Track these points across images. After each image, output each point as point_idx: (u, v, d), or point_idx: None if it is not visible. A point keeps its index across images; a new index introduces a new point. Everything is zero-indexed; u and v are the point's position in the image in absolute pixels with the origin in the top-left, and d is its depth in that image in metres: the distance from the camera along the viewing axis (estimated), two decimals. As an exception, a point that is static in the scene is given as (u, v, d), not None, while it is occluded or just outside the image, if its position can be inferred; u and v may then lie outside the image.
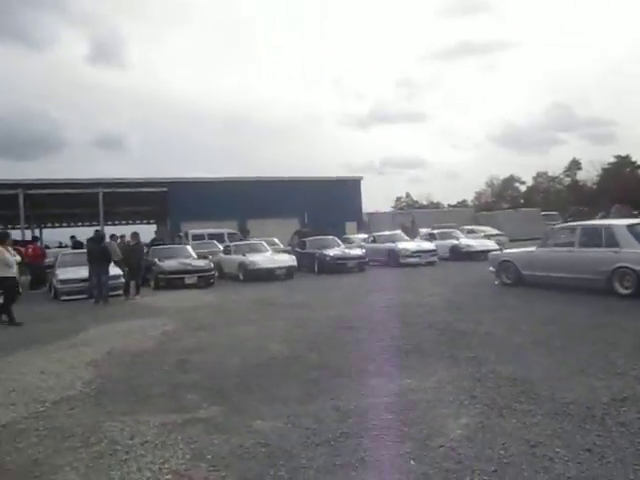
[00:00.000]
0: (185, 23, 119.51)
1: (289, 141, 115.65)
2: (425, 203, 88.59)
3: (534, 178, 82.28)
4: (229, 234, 26.94)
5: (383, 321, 8.40)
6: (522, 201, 77.82)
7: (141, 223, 43.44)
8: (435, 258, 18.80)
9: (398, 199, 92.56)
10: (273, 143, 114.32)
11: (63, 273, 14.11)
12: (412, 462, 3.41)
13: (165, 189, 31.69)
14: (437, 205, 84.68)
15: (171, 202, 31.97)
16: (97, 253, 12.52)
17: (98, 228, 18.72)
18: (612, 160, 66.47)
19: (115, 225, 37.11)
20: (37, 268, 16.94)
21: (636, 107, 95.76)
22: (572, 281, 9.85)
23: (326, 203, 34.58)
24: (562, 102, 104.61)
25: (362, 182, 39.19)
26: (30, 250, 17.37)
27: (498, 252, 12.11)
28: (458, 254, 19.79)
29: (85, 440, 4.06)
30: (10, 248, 10.18)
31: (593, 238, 9.74)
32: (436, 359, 5.88)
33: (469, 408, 4.29)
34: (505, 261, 11.57)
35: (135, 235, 14.34)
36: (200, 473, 3.40)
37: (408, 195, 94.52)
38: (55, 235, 38.91)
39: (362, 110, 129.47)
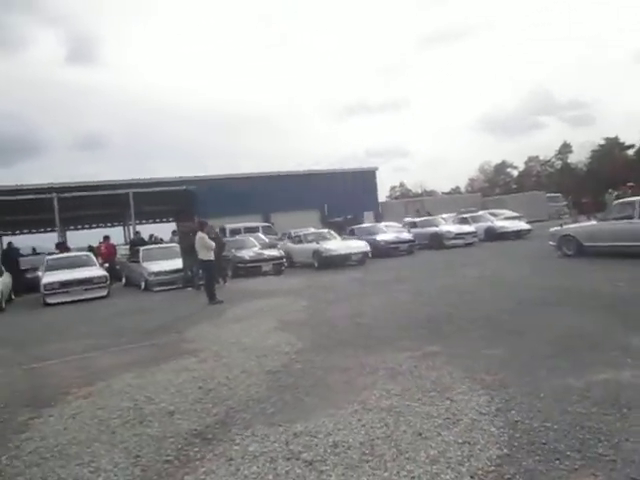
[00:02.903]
0: (155, 16, 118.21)
1: (272, 135, 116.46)
2: (419, 191, 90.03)
3: (526, 162, 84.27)
4: (263, 227, 28.30)
5: (489, 287, 9.85)
6: (514, 186, 79.81)
7: (161, 222, 44.47)
8: (476, 239, 20.38)
9: (392, 188, 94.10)
10: (255, 137, 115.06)
11: (152, 266, 15.31)
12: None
13: (191, 187, 32.79)
14: (431, 193, 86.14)
15: (198, 199, 33.06)
16: (193, 245, 13.69)
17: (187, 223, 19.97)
18: (601, 142, 68.35)
19: (141, 224, 38.06)
20: (110, 264, 18.09)
21: (613, 88, 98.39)
22: (634, 248, 11.36)
23: (344, 194, 36.04)
24: (541, 86, 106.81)
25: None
26: (103, 248, 18.56)
27: (558, 228, 13.62)
28: (493, 235, 21.34)
29: (361, 370, 5.38)
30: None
31: (652, 210, 11.26)
32: (569, 304, 7.34)
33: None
34: (566, 235, 13.09)
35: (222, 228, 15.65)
36: (484, 376, 4.78)
37: (402, 184, 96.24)
38: (79, 237, 39.77)
39: (343, 101, 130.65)
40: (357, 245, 17.76)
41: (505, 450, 3.31)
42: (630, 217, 11.68)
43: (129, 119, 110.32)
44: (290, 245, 19.47)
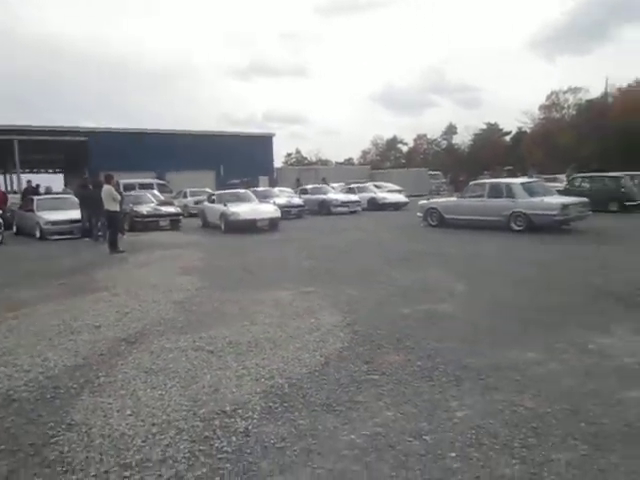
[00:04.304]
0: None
1: (166, 89, 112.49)
2: (314, 160, 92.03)
3: (415, 140, 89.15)
4: (158, 184, 28.46)
5: (365, 247, 11.67)
6: (403, 161, 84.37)
7: (47, 172, 42.52)
8: (359, 208, 22.42)
9: (288, 155, 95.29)
10: (148, 91, 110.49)
11: (48, 215, 15.57)
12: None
13: (84, 138, 31.98)
14: (325, 162, 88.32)
15: (90, 151, 32.31)
16: (96, 198, 14.12)
17: (86, 175, 19.93)
18: (482, 126, 74.28)
19: (25, 173, 36.32)
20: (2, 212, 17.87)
21: (499, 75, 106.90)
22: (483, 222, 13.76)
23: (241, 157, 36.83)
24: (435, 66, 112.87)
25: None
26: (-7, 196, 18.21)
27: (425, 201, 15.84)
28: (375, 205, 23.59)
29: (250, 302, 6.81)
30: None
31: (497, 191, 13.68)
32: (420, 261, 9.27)
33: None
34: (431, 208, 15.32)
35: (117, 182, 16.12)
36: (343, 306, 6.41)
37: (298, 151, 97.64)
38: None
39: (243, 61, 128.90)
40: (266, 210, 16.74)
41: (346, 344, 4.91)
42: (481, 196, 14.06)
43: (8, 59, 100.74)
44: (206, 204, 18.76)
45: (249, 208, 16.55)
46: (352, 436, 3.16)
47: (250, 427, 3.30)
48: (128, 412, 3.56)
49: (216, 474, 2.79)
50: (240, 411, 3.52)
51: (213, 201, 18.17)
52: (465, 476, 2.73)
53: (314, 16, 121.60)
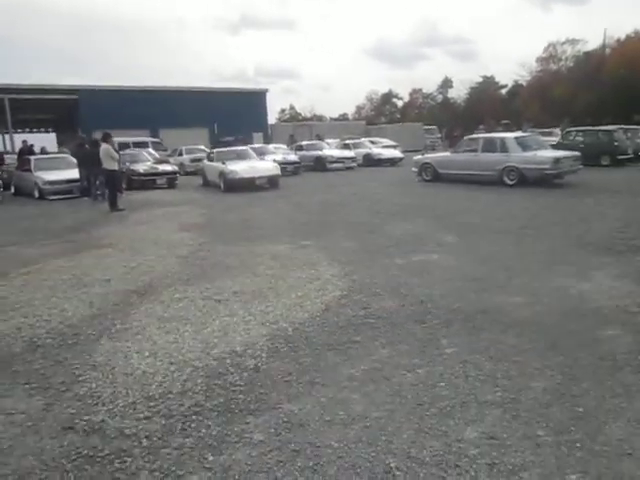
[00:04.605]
0: None
1: (149, 44, 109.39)
2: (308, 115, 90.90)
3: (410, 94, 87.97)
4: (153, 142, 28.34)
5: (358, 202, 11.91)
6: (399, 116, 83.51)
7: (39, 131, 42.08)
8: (354, 164, 22.53)
9: (282, 111, 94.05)
10: (130, 46, 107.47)
11: (46, 175, 15.67)
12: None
13: (75, 96, 31.60)
14: (320, 118, 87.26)
15: (82, 110, 32.00)
16: (93, 157, 14.19)
17: (81, 134, 19.88)
18: (479, 80, 73.33)
19: (17, 134, 35.99)
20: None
21: (494, 26, 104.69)
22: (476, 176, 13.97)
23: (234, 114, 36.52)
24: (430, 17, 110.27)
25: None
26: (-12, 156, 18.22)
27: (420, 156, 16.01)
28: (370, 161, 23.70)
29: (251, 255, 7.11)
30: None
31: (491, 146, 13.84)
32: (413, 215, 9.56)
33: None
34: (425, 163, 15.50)
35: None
36: (340, 257, 6.71)
37: (292, 107, 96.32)
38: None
39: (233, 15, 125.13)
40: (265, 167, 16.45)
41: (344, 292, 5.23)
42: (475, 150, 14.23)
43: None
44: (205, 163, 18.51)
45: (248, 166, 16.16)
46: (352, 370, 3.50)
47: (259, 364, 3.64)
48: (146, 354, 3.89)
49: (231, 402, 3.13)
50: (249, 351, 3.86)
51: (212, 159, 17.76)
52: (453, 402, 3.07)
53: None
